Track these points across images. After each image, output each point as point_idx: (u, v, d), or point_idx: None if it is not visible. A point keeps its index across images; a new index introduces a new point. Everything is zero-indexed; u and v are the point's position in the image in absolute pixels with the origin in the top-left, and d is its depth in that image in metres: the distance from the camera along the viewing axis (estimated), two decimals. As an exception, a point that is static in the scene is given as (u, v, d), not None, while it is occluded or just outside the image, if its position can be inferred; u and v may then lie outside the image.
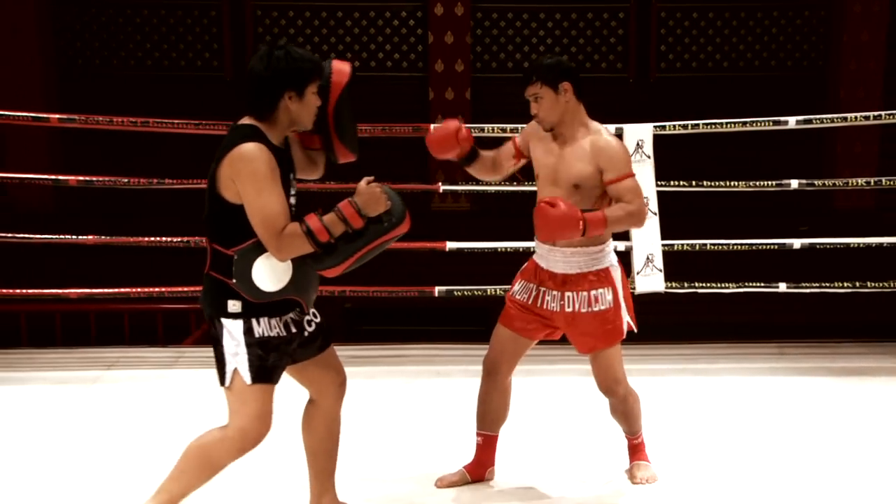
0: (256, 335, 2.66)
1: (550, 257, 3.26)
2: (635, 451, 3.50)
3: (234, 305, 2.65)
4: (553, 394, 4.46)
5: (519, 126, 5.12)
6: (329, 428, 2.94)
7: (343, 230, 2.62)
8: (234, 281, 2.63)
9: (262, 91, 2.62)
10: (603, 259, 3.25)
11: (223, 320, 2.66)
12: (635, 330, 3.33)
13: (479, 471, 3.41)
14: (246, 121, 2.67)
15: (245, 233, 2.62)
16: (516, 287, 3.35)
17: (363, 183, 2.65)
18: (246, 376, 2.65)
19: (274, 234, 2.58)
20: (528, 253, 5.06)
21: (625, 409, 3.40)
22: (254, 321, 2.66)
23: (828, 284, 5.13)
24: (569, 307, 3.22)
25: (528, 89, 3.19)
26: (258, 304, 2.66)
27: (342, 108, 2.78)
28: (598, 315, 3.22)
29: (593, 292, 3.22)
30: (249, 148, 2.57)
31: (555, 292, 3.24)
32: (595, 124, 3.24)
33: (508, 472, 3.52)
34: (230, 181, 2.59)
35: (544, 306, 3.27)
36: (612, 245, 3.31)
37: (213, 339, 2.70)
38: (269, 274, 2.65)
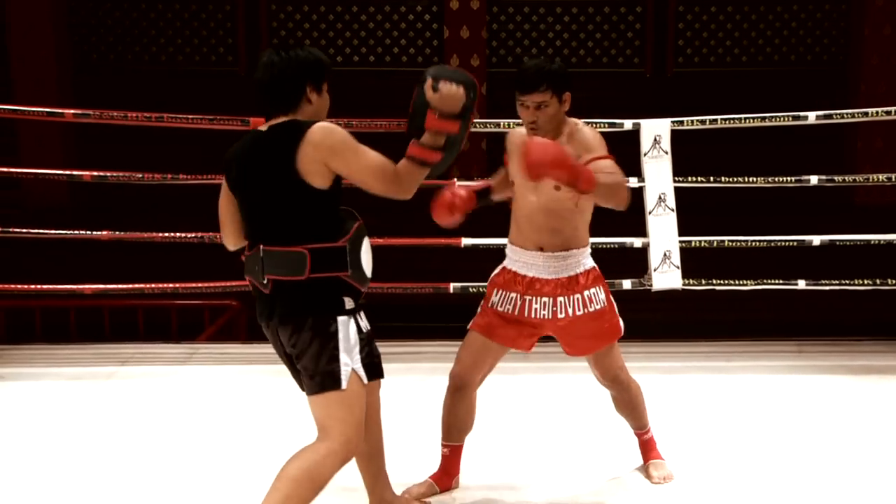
0: (364, 330, 2.65)
1: (539, 263, 3.14)
2: (647, 447, 3.45)
3: (350, 302, 2.61)
4: (561, 392, 4.43)
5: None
6: (378, 425, 2.93)
7: (444, 139, 2.59)
8: (351, 272, 2.59)
9: (285, 83, 2.59)
10: (588, 260, 3.21)
11: (339, 319, 2.59)
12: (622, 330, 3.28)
13: (446, 480, 3.34)
14: (277, 121, 2.62)
15: (340, 221, 2.60)
16: (495, 298, 3.21)
17: (429, 90, 2.56)
18: (363, 376, 2.62)
19: (392, 180, 2.57)
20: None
21: (630, 399, 3.35)
22: (359, 316, 2.65)
23: (848, 281, 5.07)
24: (561, 313, 3.13)
25: (534, 96, 3.00)
26: (359, 297, 2.64)
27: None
28: (595, 315, 3.16)
29: (587, 293, 3.15)
30: (320, 125, 2.55)
31: (545, 299, 3.14)
32: (572, 119, 3.15)
33: (520, 471, 3.50)
34: (320, 165, 2.52)
35: (531, 315, 3.15)
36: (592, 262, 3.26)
37: (317, 345, 2.57)
38: (369, 258, 2.66)
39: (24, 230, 5.24)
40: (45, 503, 3.27)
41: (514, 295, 3.18)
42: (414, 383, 4.56)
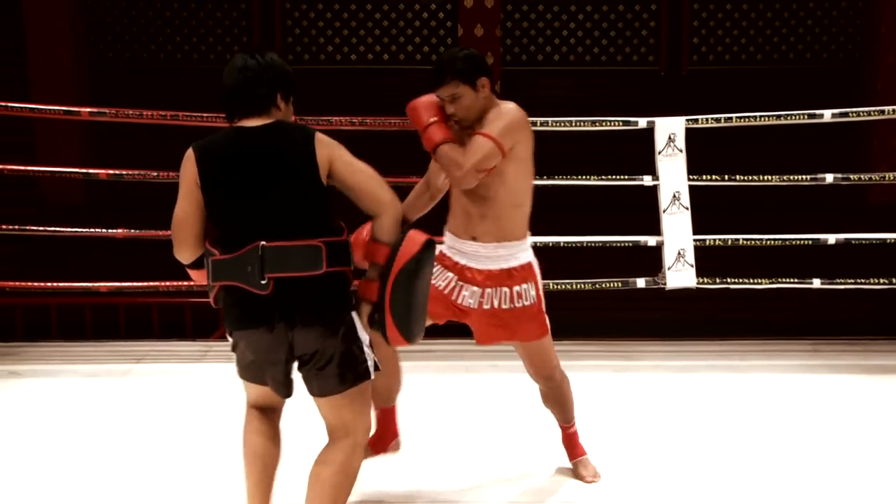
0: None
1: (472, 252, 3.11)
2: (572, 442, 3.41)
3: (353, 298, 2.62)
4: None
5: (550, 119, 5.08)
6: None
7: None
8: (352, 266, 2.59)
9: (259, 87, 2.56)
10: (524, 254, 3.14)
11: (353, 314, 2.59)
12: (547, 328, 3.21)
13: (380, 445, 3.34)
14: (257, 121, 2.56)
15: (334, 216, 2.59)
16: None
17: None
18: (379, 364, 2.66)
19: (381, 179, 2.60)
20: (556, 248, 5.05)
21: (560, 395, 3.32)
22: None
23: (863, 281, 5.04)
24: (487, 304, 3.10)
25: (444, 89, 2.97)
26: None
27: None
28: (524, 311, 3.11)
29: (516, 288, 3.10)
30: (320, 133, 2.57)
31: (474, 288, 3.11)
32: (504, 102, 3.08)
33: (531, 468, 3.50)
34: (327, 166, 2.54)
35: (460, 301, 3.13)
36: (531, 257, 3.18)
37: (346, 342, 2.55)
38: None
39: (41, 228, 5.27)
40: (60, 499, 3.29)
41: (450, 275, 3.16)
42: (426, 381, 4.57)
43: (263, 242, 2.48)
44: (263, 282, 2.48)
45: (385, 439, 3.36)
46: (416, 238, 2.60)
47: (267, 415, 2.76)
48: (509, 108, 3.03)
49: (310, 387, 2.63)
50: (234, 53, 2.67)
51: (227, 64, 2.63)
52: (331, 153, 2.55)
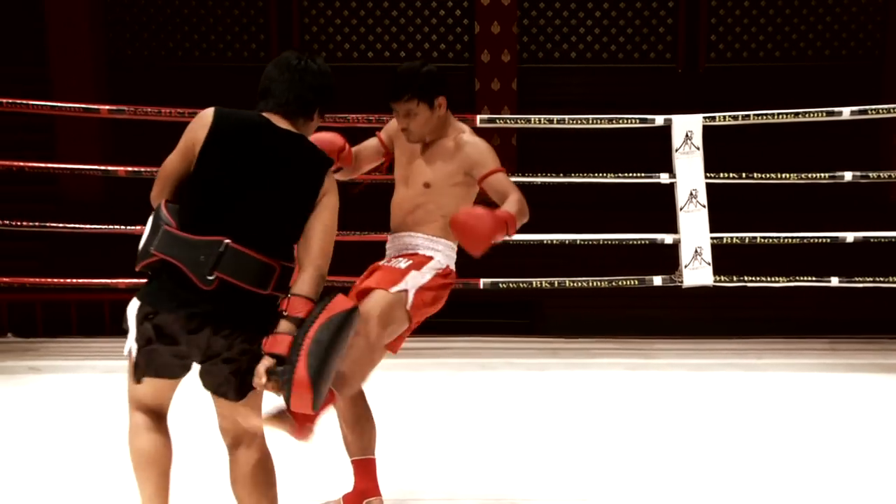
0: None
1: (396, 241, 3.02)
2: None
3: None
4: (591, 388, 4.43)
5: (566, 117, 5.08)
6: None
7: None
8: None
9: (309, 92, 2.51)
10: (427, 251, 2.97)
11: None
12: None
13: (359, 501, 3.02)
14: (285, 124, 2.49)
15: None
16: None
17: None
18: None
19: (332, 249, 2.49)
20: (573, 245, 5.05)
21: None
22: None
23: (882, 279, 5.01)
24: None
25: (400, 105, 2.90)
26: None
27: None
28: (385, 268, 2.93)
29: (394, 261, 2.95)
30: (332, 169, 2.50)
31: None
32: (459, 123, 3.02)
33: (549, 465, 3.50)
34: (321, 197, 2.46)
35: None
36: (442, 260, 2.99)
37: (255, 357, 2.40)
38: None
39: (60, 225, 5.31)
40: (79, 494, 3.32)
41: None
42: (443, 378, 4.59)
43: (228, 241, 2.36)
44: (210, 277, 2.35)
45: (366, 494, 3.02)
46: (345, 300, 2.47)
47: (156, 418, 2.66)
48: (479, 140, 2.96)
49: (216, 388, 2.54)
50: (287, 51, 2.60)
51: (277, 58, 2.56)
52: (328, 191, 2.46)
